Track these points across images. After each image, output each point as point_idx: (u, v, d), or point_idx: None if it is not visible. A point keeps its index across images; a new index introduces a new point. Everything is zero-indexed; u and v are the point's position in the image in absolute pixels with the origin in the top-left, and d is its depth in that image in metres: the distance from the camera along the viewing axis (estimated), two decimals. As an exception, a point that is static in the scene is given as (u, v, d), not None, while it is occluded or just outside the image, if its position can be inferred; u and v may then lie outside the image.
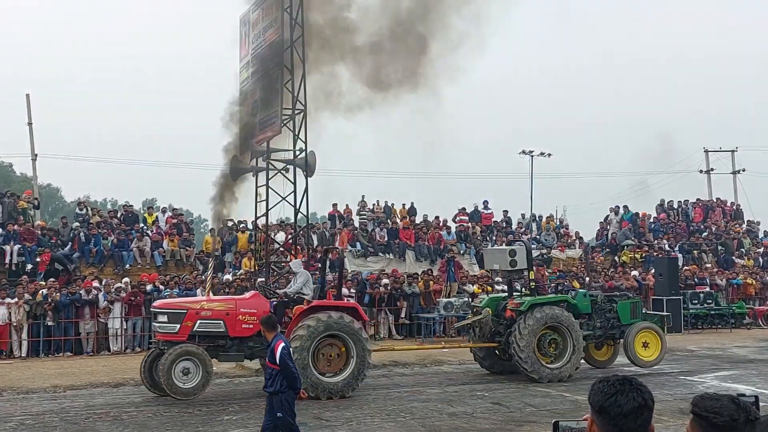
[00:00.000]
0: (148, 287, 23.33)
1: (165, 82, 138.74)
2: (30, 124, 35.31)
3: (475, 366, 18.56)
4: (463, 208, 34.14)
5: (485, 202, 34.71)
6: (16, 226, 25.45)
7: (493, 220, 34.30)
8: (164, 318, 15.36)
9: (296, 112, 19.68)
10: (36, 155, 35.38)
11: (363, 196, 33.63)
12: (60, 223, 28.15)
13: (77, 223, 27.27)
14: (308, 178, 20.06)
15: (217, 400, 14.99)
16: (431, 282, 26.48)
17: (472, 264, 30.42)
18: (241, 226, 28.89)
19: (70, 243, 26.40)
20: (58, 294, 22.30)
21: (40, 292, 22.29)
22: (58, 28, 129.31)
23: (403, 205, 34.06)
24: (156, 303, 16.96)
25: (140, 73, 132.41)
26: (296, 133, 19.72)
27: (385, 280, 25.82)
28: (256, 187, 21.05)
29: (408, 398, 15.11)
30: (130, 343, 22.76)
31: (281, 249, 24.83)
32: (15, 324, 21.87)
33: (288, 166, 20.27)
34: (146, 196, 71.78)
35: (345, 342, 15.37)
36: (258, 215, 21.41)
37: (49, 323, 21.99)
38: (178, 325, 15.11)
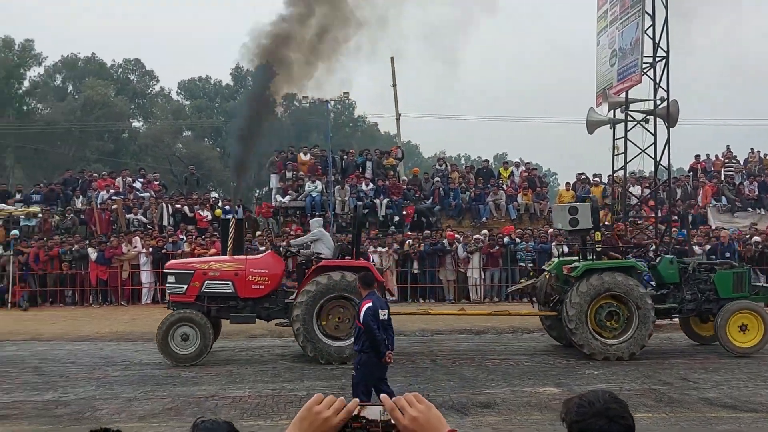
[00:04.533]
0: (505, 239, 23.98)
1: (516, 40, 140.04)
2: (394, 85, 37.82)
3: None
4: None
5: None
6: (385, 182, 27.57)
7: None
8: (173, 279, 14.83)
9: (657, 59, 18.69)
10: (399, 115, 37.88)
11: (728, 146, 31.15)
12: (422, 178, 29.90)
13: (437, 178, 28.78)
14: (670, 129, 19.02)
15: (578, 354, 15.05)
16: (811, 240, 23.84)
17: None
18: (595, 179, 28.41)
19: (431, 197, 28.00)
20: (422, 244, 23.88)
21: (407, 242, 24.04)
22: None
23: (778, 155, 30.97)
24: (168, 263, 16.44)
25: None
26: (657, 81, 18.75)
27: (755, 238, 23.79)
28: (614, 140, 20.46)
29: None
30: (489, 292, 23.66)
31: (638, 203, 24.03)
32: (386, 270, 23.84)
33: (648, 117, 19.37)
34: (497, 150, 73.62)
35: (354, 305, 13.94)
36: (615, 168, 20.82)
37: (415, 271, 23.70)
38: (186, 286, 14.51)
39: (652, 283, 16.29)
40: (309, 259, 15.33)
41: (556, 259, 17.14)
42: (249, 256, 15.41)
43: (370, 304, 9.36)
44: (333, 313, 14.41)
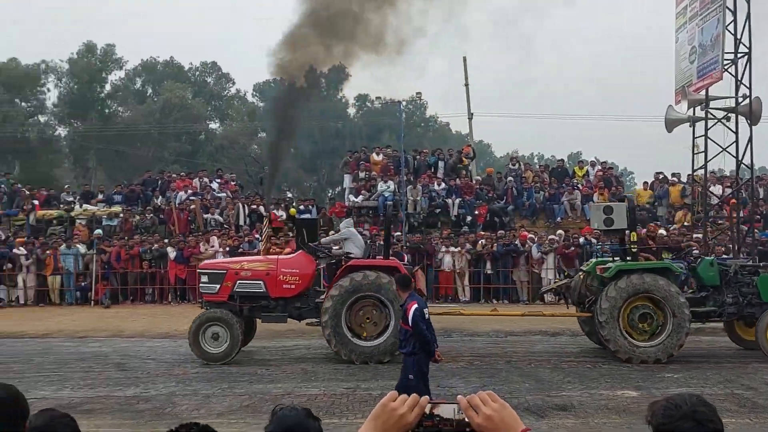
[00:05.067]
0: (581, 240, 23.63)
1: (586, 34, 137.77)
2: (466, 85, 37.69)
3: None
4: None
5: None
6: (457, 181, 27.49)
7: None
8: (206, 278, 15.06)
9: (739, 55, 18.19)
10: (472, 114, 37.69)
11: (815, 144, 30.00)
12: (495, 177, 29.70)
13: (510, 178, 28.54)
14: (752, 127, 18.48)
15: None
16: None
17: None
18: (673, 179, 27.75)
19: (504, 197, 27.78)
20: (495, 244, 23.73)
21: (480, 242, 23.92)
22: None
23: None
24: (201, 264, 16.67)
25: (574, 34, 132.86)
26: (739, 78, 18.24)
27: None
28: (693, 138, 20.01)
29: None
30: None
31: (719, 203, 23.38)
32: (458, 271, 23.78)
33: (729, 115, 18.86)
34: (571, 149, 72.59)
35: (384, 304, 14.18)
36: (695, 167, 20.33)
37: (488, 271, 23.57)
38: (218, 286, 14.72)
39: None
40: (339, 259, 15.40)
41: (593, 260, 16.83)
42: (280, 256, 15.66)
43: (417, 305, 9.33)
44: (362, 312, 14.41)
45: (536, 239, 23.79)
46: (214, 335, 14.28)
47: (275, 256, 15.75)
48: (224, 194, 27.85)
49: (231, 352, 14.23)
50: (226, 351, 14.19)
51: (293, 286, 14.70)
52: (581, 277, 15.62)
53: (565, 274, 17.39)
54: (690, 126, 20.00)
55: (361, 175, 28.34)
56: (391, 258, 15.47)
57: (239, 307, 14.70)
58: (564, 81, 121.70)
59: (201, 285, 15.33)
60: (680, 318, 13.98)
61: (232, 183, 29.85)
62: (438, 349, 9.74)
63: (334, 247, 15.83)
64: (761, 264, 15.81)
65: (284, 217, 26.31)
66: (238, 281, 14.69)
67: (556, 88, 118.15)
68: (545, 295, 21.63)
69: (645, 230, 17.59)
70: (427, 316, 9.44)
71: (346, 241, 15.82)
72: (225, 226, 25.80)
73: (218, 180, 29.61)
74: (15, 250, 23.67)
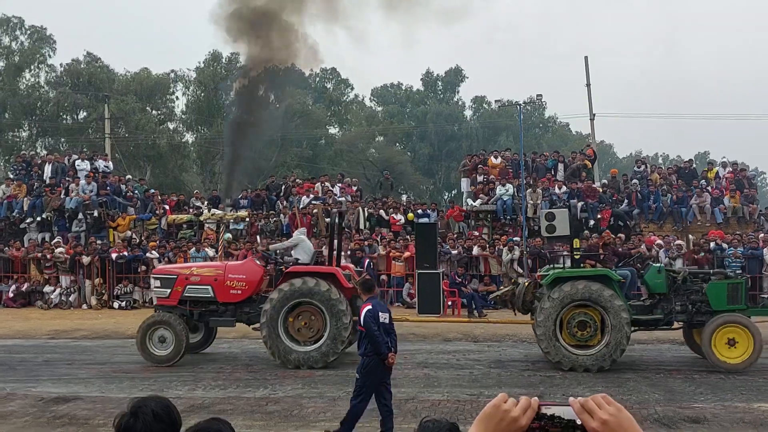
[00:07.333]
0: (711, 245, 22.69)
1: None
2: (588, 85, 36.91)
3: None
4: None
5: None
6: (579, 184, 26.92)
7: None
8: (158, 283, 15.55)
9: None
10: (594, 115, 36.87)
11: None
12: (620, 180, 28.91)
13: (635, 180, 27.73)
14: None
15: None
16: None
17: None
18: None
19: (627, 199, 27.02)
20: (620, 249, 23.06)
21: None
22: None
23: None
24: (154, 269, 17.11)
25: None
26: None
27: None
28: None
29: None
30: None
31: None
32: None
33: None
34: (699, 149, 69.91)
35: (320, 310, 14.37)
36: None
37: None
38: (169, 290, 15.11)
39: None
40: (286, 265, 15.76)
41: (546, 267, 16.97)
42: (229, 262, 16.45)
43: (370, 307, 9.52)
44: (301, 318, 14.61)
45: (664, 244, 23.00)
46: (161, 338, 14.82)
47: (224, 262, 16.53)
48: (343, 198, 28.31)
49: (176, 356, 14.69)
50: (171, 354, 14.68)
51: (240, 292, 15.15)
52: (526, 284, 15.39)
53: (512, 281, 17.18)
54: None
55: (480, 178, 28.19)
56: (343, 264, 16.19)
57: (189, 311, 15.29)
58: (694, 76, 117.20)
59: (153, 289, 16.16)
60: (618, 322, 13.75)
61: (353, 188, 30.30)
62: (394, 353, 9.68)
63: (284, 254, 16.50)
64: (712, 271, 15.41)
65: (402, 221, 26.55)
66: (188, 286, 15.20)
67: (684, 84, 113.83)
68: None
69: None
70: (383, 319, 9.59)
71: (296, 247, 16.37)
72: (346, 229, 26.20)
73: (339, 184, 30.13)
74: (148, 254, 24.82)
